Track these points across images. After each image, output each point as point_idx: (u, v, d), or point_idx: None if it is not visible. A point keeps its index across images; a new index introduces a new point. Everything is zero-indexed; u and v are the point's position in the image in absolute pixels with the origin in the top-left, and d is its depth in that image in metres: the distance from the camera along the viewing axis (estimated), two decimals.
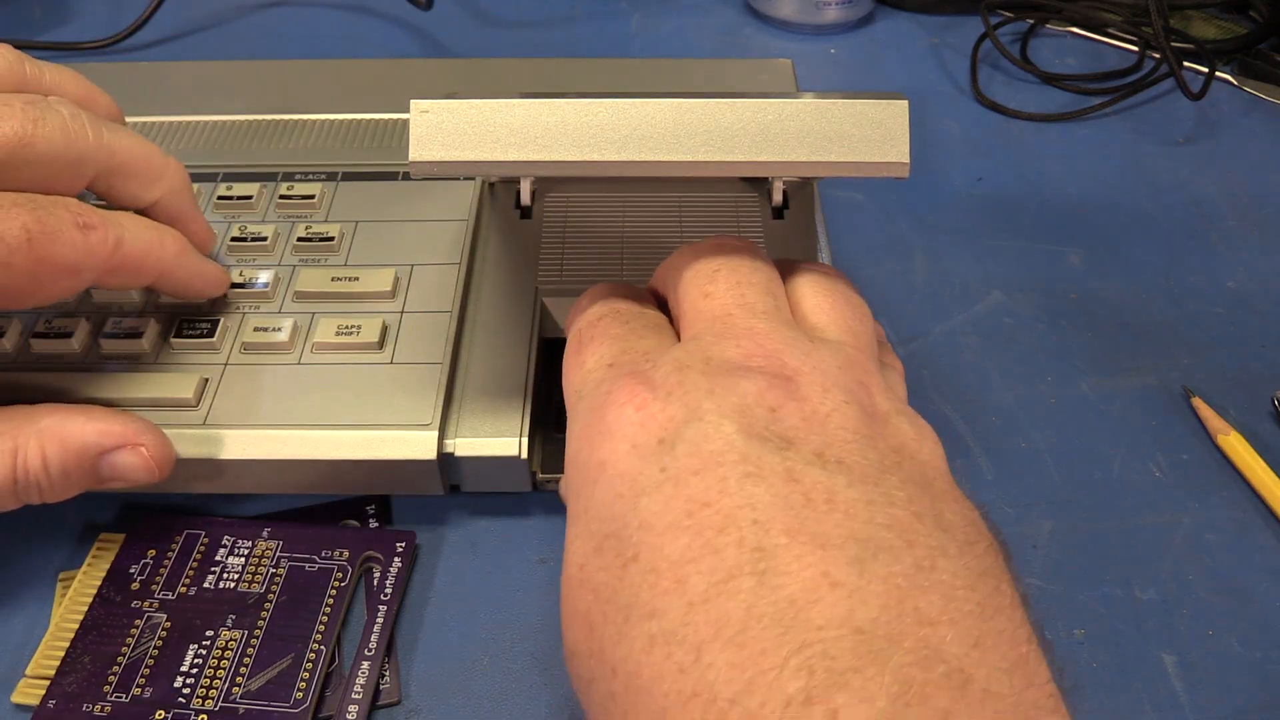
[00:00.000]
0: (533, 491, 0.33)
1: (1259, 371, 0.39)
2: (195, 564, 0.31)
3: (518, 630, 0.30)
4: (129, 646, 0.29)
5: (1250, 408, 0.37)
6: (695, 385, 0.21)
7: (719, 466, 0.20)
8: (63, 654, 0.28)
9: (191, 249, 0.32)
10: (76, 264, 0.28)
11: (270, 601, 0.30)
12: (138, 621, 0.29)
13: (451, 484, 0.32)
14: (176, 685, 0.28)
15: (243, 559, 0.31)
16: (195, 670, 0.28)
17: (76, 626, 0.29)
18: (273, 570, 0.30)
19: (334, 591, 0.30)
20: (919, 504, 0.20)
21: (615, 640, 0.19)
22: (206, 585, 0.30)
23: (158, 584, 0.30)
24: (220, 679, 0.28)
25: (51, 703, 0.27)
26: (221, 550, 0.31)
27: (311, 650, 0.28)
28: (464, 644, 0.30)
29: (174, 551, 0.31)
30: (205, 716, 0.27)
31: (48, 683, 0.28)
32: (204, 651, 0.28)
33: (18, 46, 0.31)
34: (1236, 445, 0.35)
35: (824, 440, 0.20)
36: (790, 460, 0.20)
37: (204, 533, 0.32)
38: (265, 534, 0.31)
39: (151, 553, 0.31)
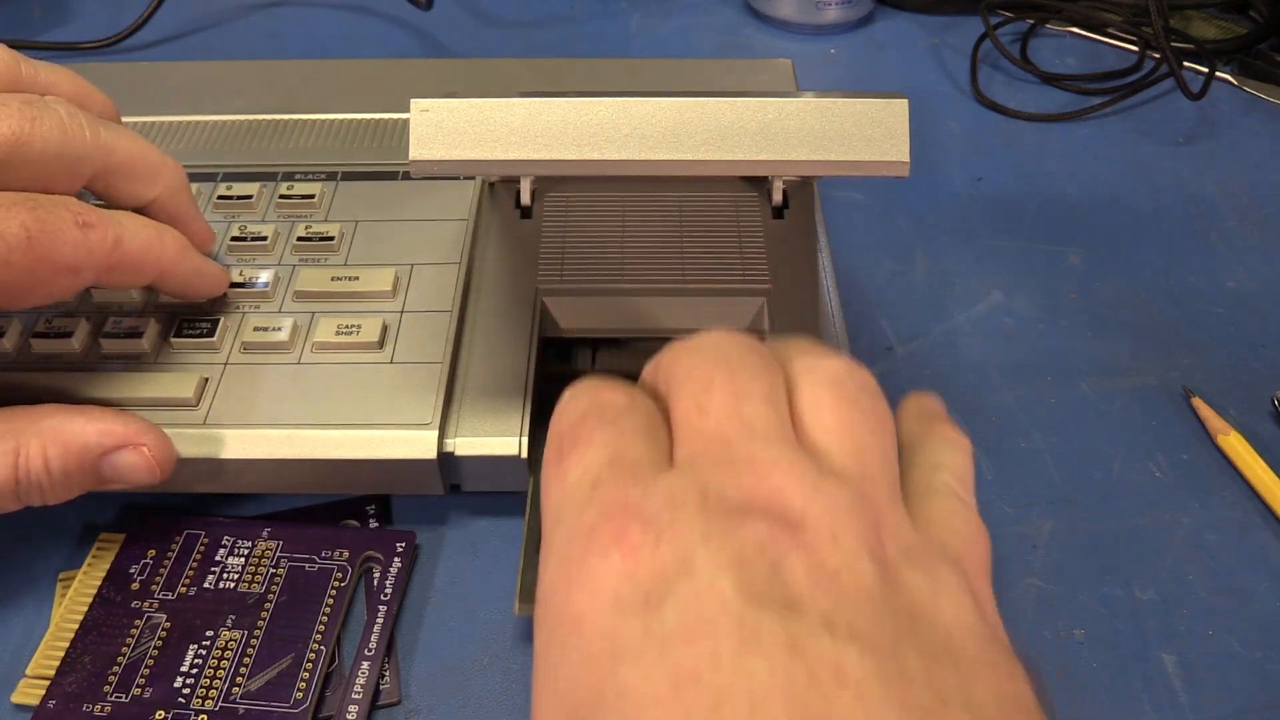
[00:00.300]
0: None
1: (1259, 371, 0.39)
2: (195, 564, 0.31)
3: (518, 630, 0.30)
4: (129, 646, 0.29)
5: (1250, 408, 0.37)
6: (690, 527, 0.18)
7: (712, 633, 0.17)
8: (63, 654, 0.28)
9: (191, 248, 0.32)
10: (76, 263, 0.28)
11: (270, 601, 0.30)
12: (138, 622, 0.29)
13: (451, 484, 0.32)
14: (177, 685, 0.28)
15: (243, 559, 0.31)
16: (195, 670, 0.28)
17: (76, 627, 0.29)
18: (273, 570, 0.30)
19: (334, 591, 0.30)
20: (941, 680, 0.17)
21: None
22: (206, 585, 0.30)
23: (158, 584, 0.30)
24: (220, 679, 0.28)
25: (51, 703, 0.27)
26: (221, 550, 0.31)
27: (311, 650, 0.28)
28: (464, 644, 0.30)
29: (174, 552, 0.31)
30: (205, 717, 0.27)
31: (48, 683, 0.28)
32: (204, 652, 0.28)
33: (17, 47, 0.31)
34: (1236, 445, 0.35)
35: (833, 602, 0.18)
36: (794, 627, 0.17)
37: (204, 533, 0.32)
38: (265, 534, 0.31)
39: (151, 553, 0.31)
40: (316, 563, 0.31)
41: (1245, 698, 0.29)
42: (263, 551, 0.31)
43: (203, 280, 0.33)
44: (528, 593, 0.28)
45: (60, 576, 0.31)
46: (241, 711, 0.27)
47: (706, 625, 0.17)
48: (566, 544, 0.19)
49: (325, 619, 0.29)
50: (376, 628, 0.29)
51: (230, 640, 0.29)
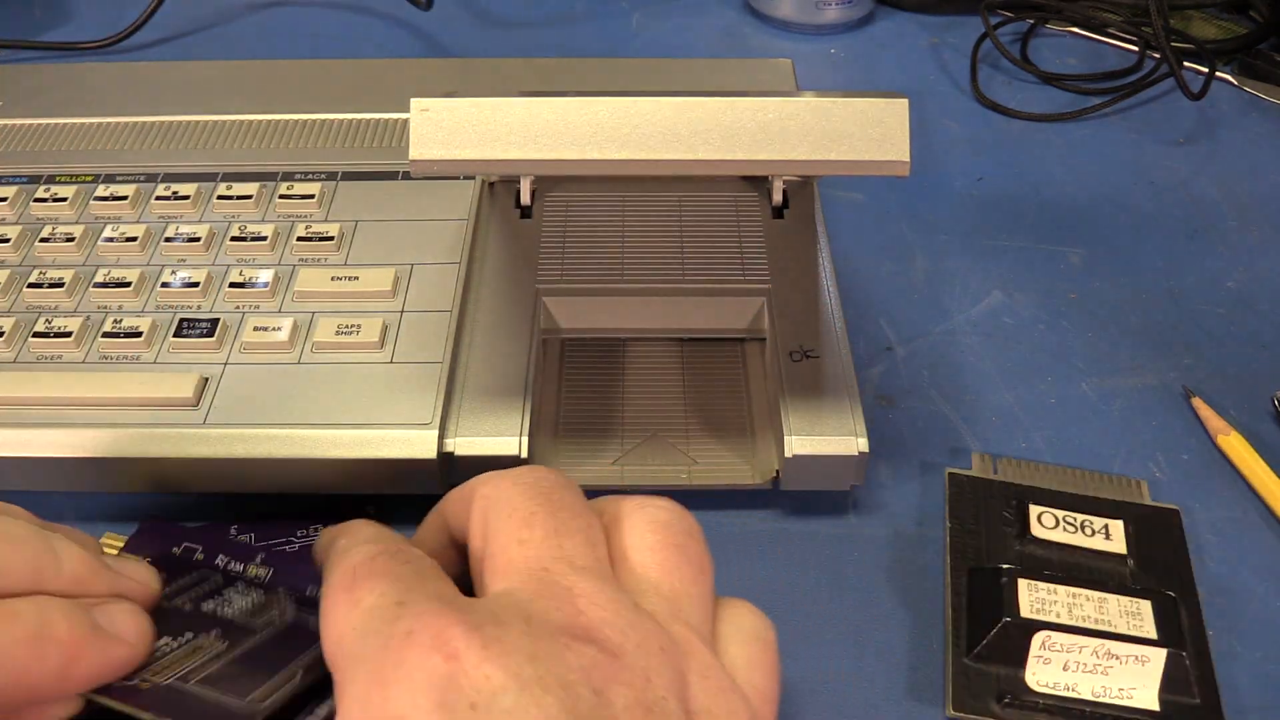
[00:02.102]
0: None
1: (1259, 371, 0.39)
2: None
3: None
4: None
5: (1250, 408, 0.37)
6: (516, 647, 0.19)
7: None
8: None
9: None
10: None
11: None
12: None
13: (451, 483, 0.32)
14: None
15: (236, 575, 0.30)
16: (160, 655, 0.25)
17: None
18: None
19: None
20: None
21: None
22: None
23: None
24: (180, 666, 0.25)
25: None
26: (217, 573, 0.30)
27: (289, 671, 0.26)
28: None
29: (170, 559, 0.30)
30: (148, 684, 0.24)
31: None
32: (175, 645, 0.26)
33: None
34: (1236, 445, 0.35)
35: None
36: None
37: (201, 547, 0.31)
38: (259, 559, 0.31)
39: (148, 560, 0.31)
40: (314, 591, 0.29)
41: (1245, 698, 0.29)
42: (253, 576, 0.30)
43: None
44: (961, 693, 0.28)
45: None
46: (191, 692, 0.24)
47: None
48: (378, 653, 0.19)
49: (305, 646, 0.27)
50: None
51: (208, 643, 0.26)
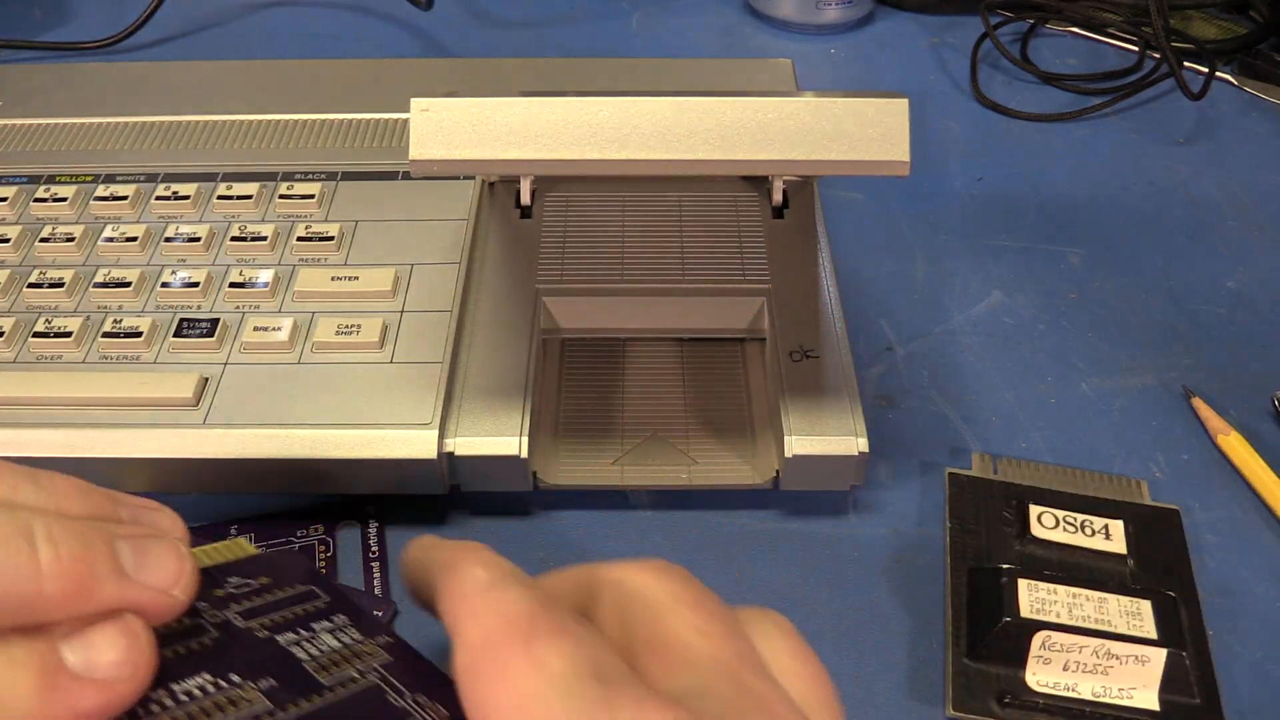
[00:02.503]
0: (533, 491, 0.33)
1: (1259, 371, 0.39)
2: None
3: None
4: None
5: (1250, 408, 0.37)
6: None
7: None
8: None
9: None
10: None
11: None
12: None
13: (451, 484, 0.32)
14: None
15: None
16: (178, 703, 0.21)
17: None
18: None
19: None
20: None
21: None
22: None
23: None
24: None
25: None
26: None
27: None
28: None
29: None
30: None
31: None
32: (207, 689, 0.21)
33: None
34: (1236, 445, 0.35)
35: None
36: None
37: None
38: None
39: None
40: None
41: (1245, 698, 0.29)
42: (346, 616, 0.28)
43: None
44: (961, 693, 0.28)
45: None
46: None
47: None
48: None
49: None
50: None
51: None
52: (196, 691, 0.20)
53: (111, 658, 0.18)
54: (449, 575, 0.19)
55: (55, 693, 0.17)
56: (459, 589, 0.18)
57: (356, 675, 0.21)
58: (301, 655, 0.21)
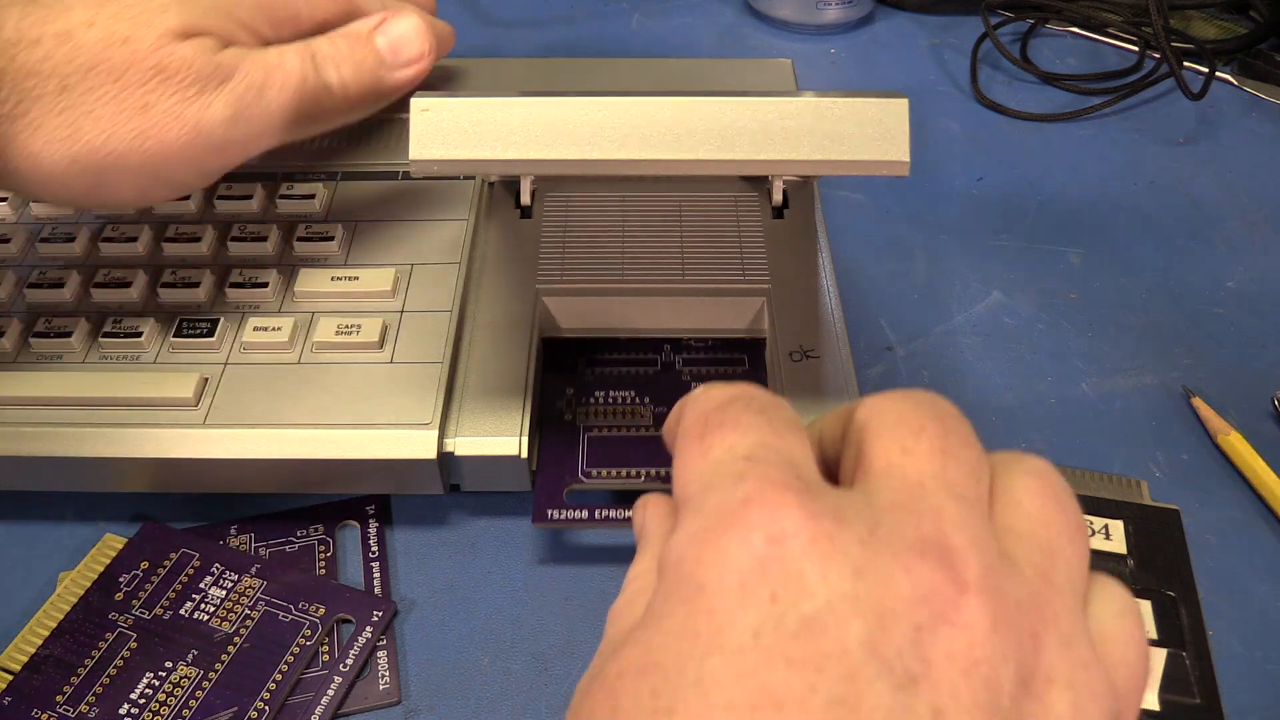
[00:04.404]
0: (533, 491, 0.33)
1: (1259, 371, 0.39)
2: (179, 587, 0.30)
3: (518, 630, 0.30)
4: (92, 659, 0.28)
5: (1250, 408, 0.37)
6: (846, 553, 0.17)
7: (816, 671, 0.16)
8: (34, 650, 0.29)
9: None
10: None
11: (235, 645, 0.29)
12: (109, 635, 0.29)
13: (451, 483, 0.32)
14: (121, 712, 0.27)
15: (224, 592, 0.30)
16: (143, 701, 0.27)
17: (55, 624, 0.29)
18: (248, 612, 0.30)
19: (296, 649, 0.29)
20: None
21: None
22: (182, 612, 0.30)
23: (139, 599, 0.30)
24: (162, 716, 0.27)
25: (7, 699, 0.27)
26: (208, 578, 0.30)
27: (255, 709, 0.27)
28: (464, 644, 0.30)
29: (165, 569, 0.31)
30: None
31: (11, 677, 0.28)
32: (157, 683, 0.28)
33: None
34: (1236, 445, 0.35)
35: (953, 695, 0.16)
36: (898, 705, 0.16)
37: (198, 554, 0.31)
38: (254, 570, 0.31)
39: (144, 565, 0.31)
40: (291, 614, 0.30)
41: (1245, 698, 0.29)
42: (245, 589, 0.30)
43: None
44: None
45: (60, 576, 0.31)
46: None
47: (815, 659, 0.16)
48: (716, 513, 0.18)
49: (279, 677, 0.28)
50: (319, 708, 0.28)
51: (184, 677, 0.28)
52: (149, 691, 0.25)
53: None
54: (684, 400, 0.22)
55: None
56: (684, 404, 0.22)
57: (249, 612, 0.28)
58: (202, 616, 0.28)
